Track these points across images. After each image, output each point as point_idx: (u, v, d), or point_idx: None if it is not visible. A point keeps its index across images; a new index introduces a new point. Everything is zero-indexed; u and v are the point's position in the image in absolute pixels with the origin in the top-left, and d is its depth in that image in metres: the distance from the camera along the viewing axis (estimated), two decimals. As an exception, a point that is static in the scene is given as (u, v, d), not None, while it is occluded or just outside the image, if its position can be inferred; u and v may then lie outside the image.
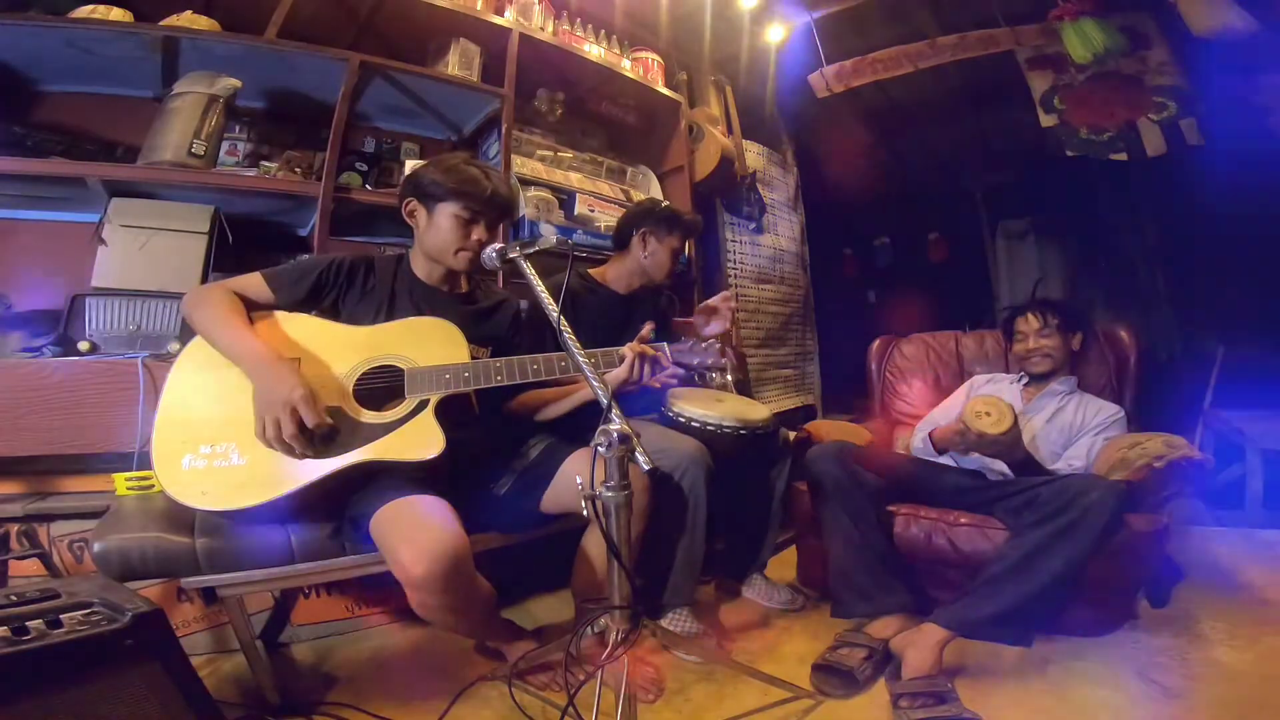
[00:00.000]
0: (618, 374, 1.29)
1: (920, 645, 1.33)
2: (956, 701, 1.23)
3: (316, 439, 1.16)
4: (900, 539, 1.62)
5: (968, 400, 1.71)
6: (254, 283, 1.32)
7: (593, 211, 2.49)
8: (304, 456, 1.16)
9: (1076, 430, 1.75)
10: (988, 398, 1.59)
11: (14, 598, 0.84)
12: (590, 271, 1.90)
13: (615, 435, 0.92)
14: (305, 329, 1.32)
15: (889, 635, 1.44)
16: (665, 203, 1.98)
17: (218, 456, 1.16)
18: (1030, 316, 1.88)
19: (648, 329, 1.34)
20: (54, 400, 1.47)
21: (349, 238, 2.29)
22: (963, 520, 1.59)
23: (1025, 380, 1.91)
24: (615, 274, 1.87)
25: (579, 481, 0.95)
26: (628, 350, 1.29)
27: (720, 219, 3.19)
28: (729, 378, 1.48)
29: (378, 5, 2.18)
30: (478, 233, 1.39)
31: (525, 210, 2.30)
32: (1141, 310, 3.94)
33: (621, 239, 1.86)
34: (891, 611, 1.50)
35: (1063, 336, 1.84)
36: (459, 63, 2.24)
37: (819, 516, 1.64)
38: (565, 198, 2.48)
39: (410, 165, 2.13)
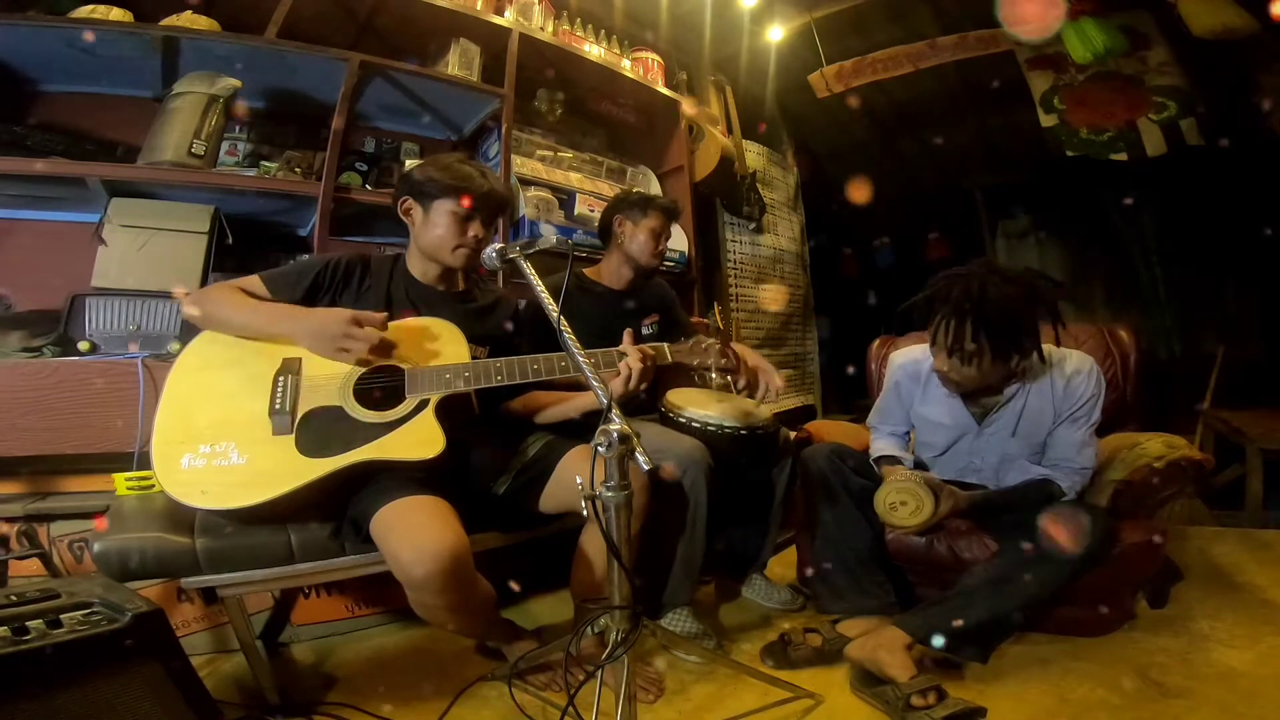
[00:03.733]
0: (618, 385, 1.28)
1: (892, 649, 1.30)
2: (955, 698, 1.22)
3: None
4: (898, 545, 1.60)
5: (886, 481, 1.50)
6: (253, 285, 1.33)
7: (593, 211, 2.49)
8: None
9: (1054, 417, 1.49)
10: (902, 483, 1.44)
11: (14, 598, 0.84)
12: (584, 271, 1.91)
13: (615, 435, 0.92)
14: (305, 329, 1.32)
15: (857, 635, 1.41)
16: (636, 189, 2.00)
17: (217, 456, 1.16)
18: (951, 327, 1.36)
19: (631, 339, 1.34)
20: (54, 400, 1.47)
21: (349, 238, 2.30)
22: (963, 528, 1.57)
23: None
24: (607, 269, 1.90)
25: (579, 481, 0.95)
26: (624, 365, 1.28)
27: (720, 219, 3.19)
28: (729, 378, 1.47)
29: (378, 5, 2.18)
30: (474, 229, 1.40)
31: (525, 210, 2.30)
32: (1141, 310, 3.94)
33: (603, 233, 1.91)
34: (865, 613, 1.49)
35: (990, 366, 1.38)
36: (459, 63, 2.25)
37: (806, 512, 1.64)
38: (565, 198, 2.48)
39: (410, 165, 2.13)
